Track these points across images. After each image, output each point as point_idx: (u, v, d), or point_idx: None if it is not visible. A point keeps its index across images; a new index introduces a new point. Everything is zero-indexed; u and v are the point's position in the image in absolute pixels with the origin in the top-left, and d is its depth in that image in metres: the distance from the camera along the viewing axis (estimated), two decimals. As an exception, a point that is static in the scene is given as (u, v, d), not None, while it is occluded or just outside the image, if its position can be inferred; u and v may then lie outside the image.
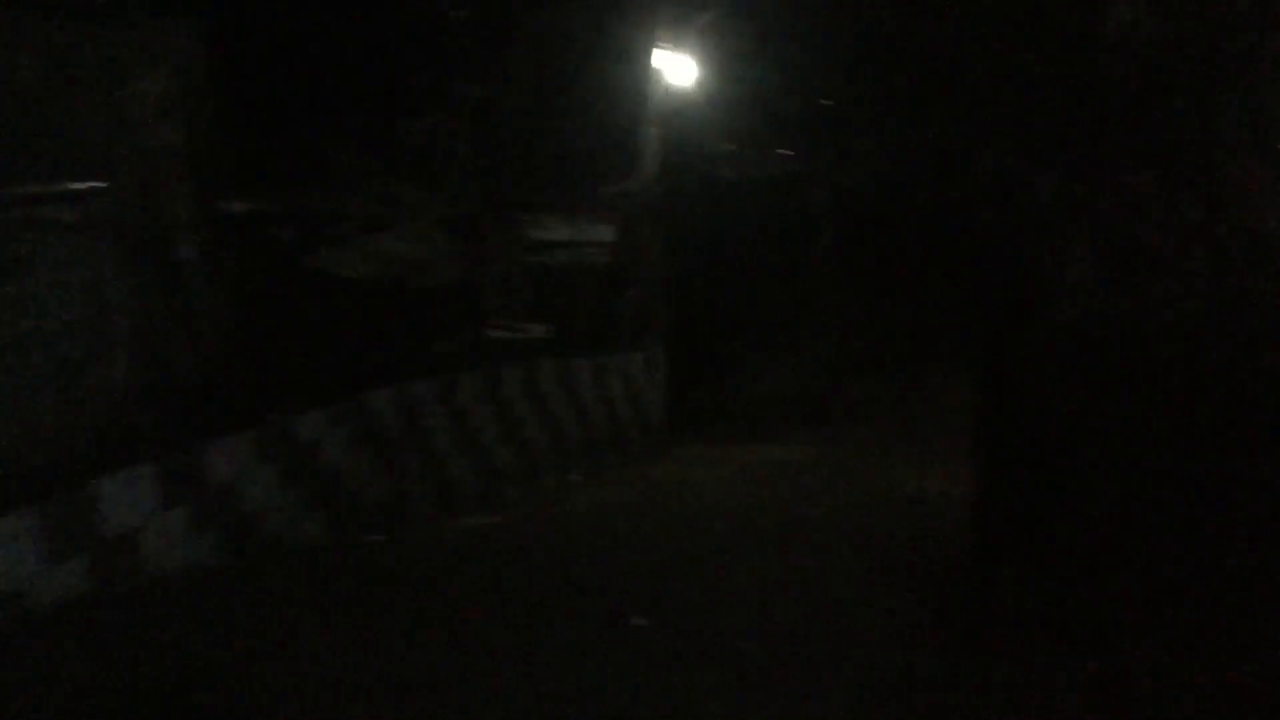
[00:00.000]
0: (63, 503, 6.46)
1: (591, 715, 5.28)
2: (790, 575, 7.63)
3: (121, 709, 5.40)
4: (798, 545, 8.69)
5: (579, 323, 13.62)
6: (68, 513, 6.48)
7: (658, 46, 13.02)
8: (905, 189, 24.37)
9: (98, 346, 9.55)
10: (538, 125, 12.83)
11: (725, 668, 5.77)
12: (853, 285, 22.08)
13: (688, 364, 15.52)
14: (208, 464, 7.46)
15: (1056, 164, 3.99)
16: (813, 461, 13.17)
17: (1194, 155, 3.52)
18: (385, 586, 7.62)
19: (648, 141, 13.38)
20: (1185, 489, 3.76)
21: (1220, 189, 3.43)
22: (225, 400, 10.79)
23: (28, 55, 9.24)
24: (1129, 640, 5.07)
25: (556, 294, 13.80)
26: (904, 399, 16.99)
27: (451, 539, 9.29)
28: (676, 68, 13.44)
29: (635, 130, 13.29)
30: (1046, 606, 5.48)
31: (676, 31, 13.14)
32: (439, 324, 12.17)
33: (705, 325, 17.22)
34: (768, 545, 8.74)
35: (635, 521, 9.89)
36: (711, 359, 17.13)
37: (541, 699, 5.42)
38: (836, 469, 12.64)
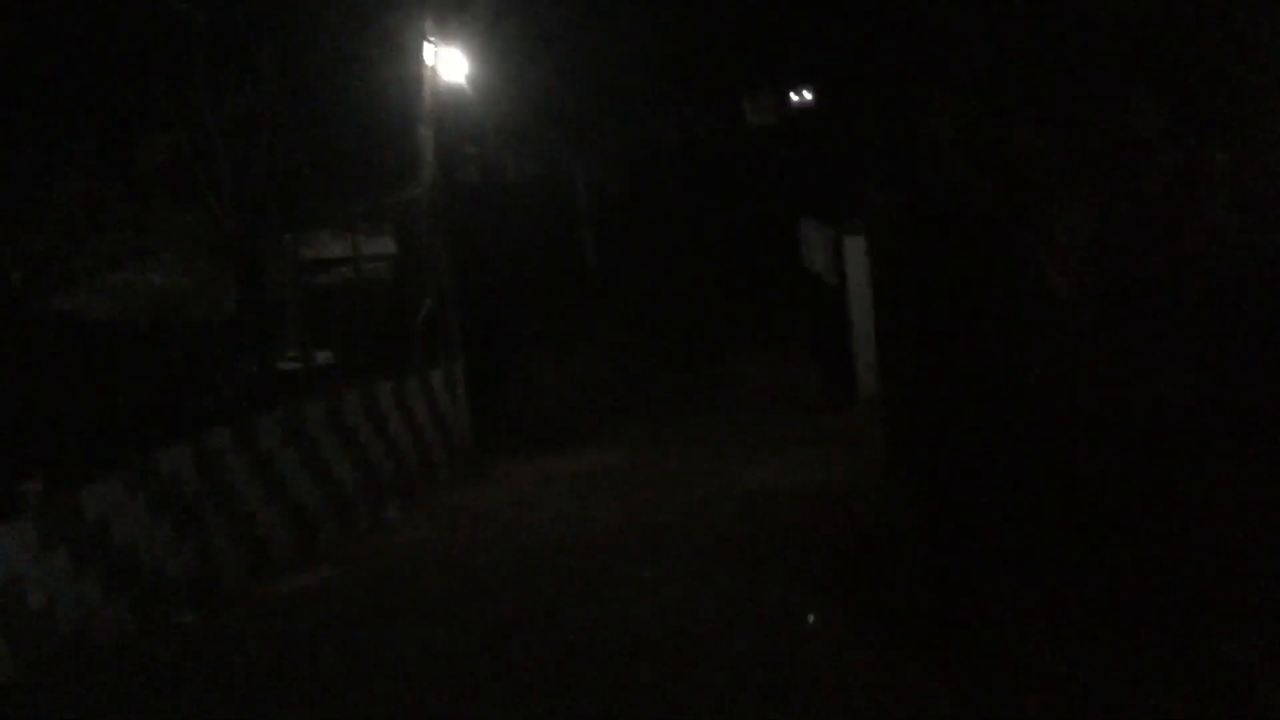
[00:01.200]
0: None
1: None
2: (705, 597, 6.98)
3: None
4: (670, 561, 8.10)
5: (369, 344, 12.54)
6: None
7: (428, 40, 12.07)
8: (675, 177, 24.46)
9: None
10: (303, 132, 11.61)
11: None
12: (629, 277, 21.86)
13: (483, 375, 14.70)
14: (-18, 564, 6.10)
15: (1034, 108, 3.51)
16: (634, 466, 12.66)
17: (1219, 84, 3.09)
18: (197, 685, 6.46)
19: (424, 143, 12.40)
20: (1218, 492, 3.36)
21: (1253, 125, 3.03)
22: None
23: None
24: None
25: (340, 315, 12.67)
26: (698, 390, 16.77)
27: (270, 610, 8.13)
28: (448, 63, 12.54)
29: (410, 132, 12.28)
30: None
31: (446, 24, 12.23)
32: (215, 362, 10.83)
33: (492, 332, 16.43)
34: (632, 566, 8.09)
35: (473, 560, 9.02)
36: (504, 367, 16.36)
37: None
38: (660, 471, 12.18)
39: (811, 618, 6.27)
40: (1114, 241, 3.51)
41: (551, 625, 6.63)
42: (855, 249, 13.43)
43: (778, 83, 30.56)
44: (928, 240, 4.44)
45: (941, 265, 4.36)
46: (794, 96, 31.28)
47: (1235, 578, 3.32)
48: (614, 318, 19.54)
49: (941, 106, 3.87)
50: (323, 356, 12.51)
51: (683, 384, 16.82)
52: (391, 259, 13.01)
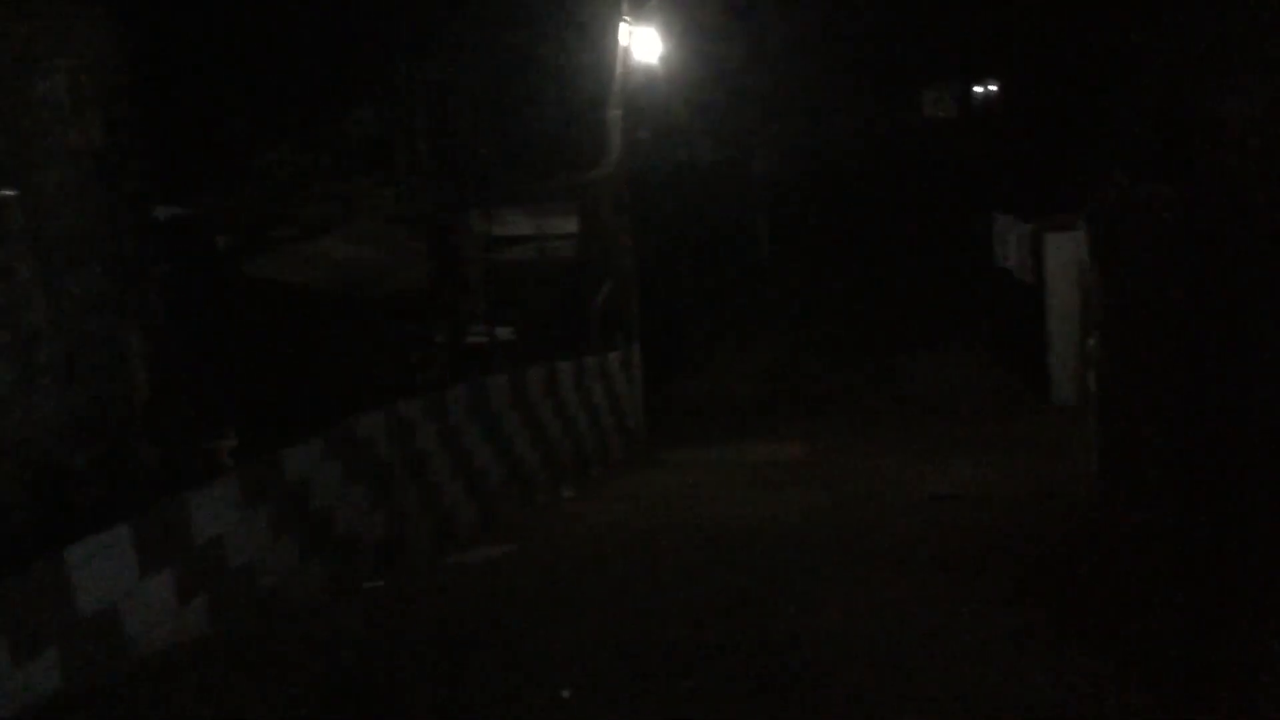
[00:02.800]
0: (30, 584, 5.21)
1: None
2: (882, 602, 6.65)
3: None
4: (856, 561, 7.78)
5: (549, 322, 12.55)
6: (33, 594, 5.23)
7: (623, 20, 11.97)
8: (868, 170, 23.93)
9: (21, 378, 8.22)
10: (498, 110, 11.67)
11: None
12: (804, 269, 21.46)
13: (657, 360, 14.59)
14: (192, 519, 6.24)
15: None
16: (809, 459, 12.34)
17: None
18: (385, 650, 6.46)
19: (613, 124, 12.32)
20: None
21: None
22: (166, 434, 9.50)
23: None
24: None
25: (523, 292, 12.71)
26: (877, 387, 16.29)
27: (455, 580, 8.16)
28: (641, 43, 12.41)
29: (600, 112, 12.21)
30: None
31: (643, 3, 12.10)
32: (406, 334, 11.00)
33: (667, 317, 16.31)
34: (821, 563, 7.80)
35: (652, 546, 8.85)
36: (677, 353, 16.22)
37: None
38: (839, 467, 11.81)
39: None
40: None
41: (747, 621, 6.39)
42: (1057, 247, 12.79)
43: (958, 75, 29.53)
44: (1203, 236, 4.02)
45: (1221, 264, 3.93)
46: (976, 89, 30.18)
47: None
48: (788, 309, 19.22)
49: (1243, 87, 3.45)
50: (504, 332, 12.59)
51: (860, 380, 16.38)
52: (574, 239, 12.99)
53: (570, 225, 13.01)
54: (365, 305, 11.54)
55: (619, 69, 12.28)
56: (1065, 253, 12.55)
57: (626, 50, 12.26)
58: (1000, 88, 28.06)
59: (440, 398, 9.04)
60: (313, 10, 10.88)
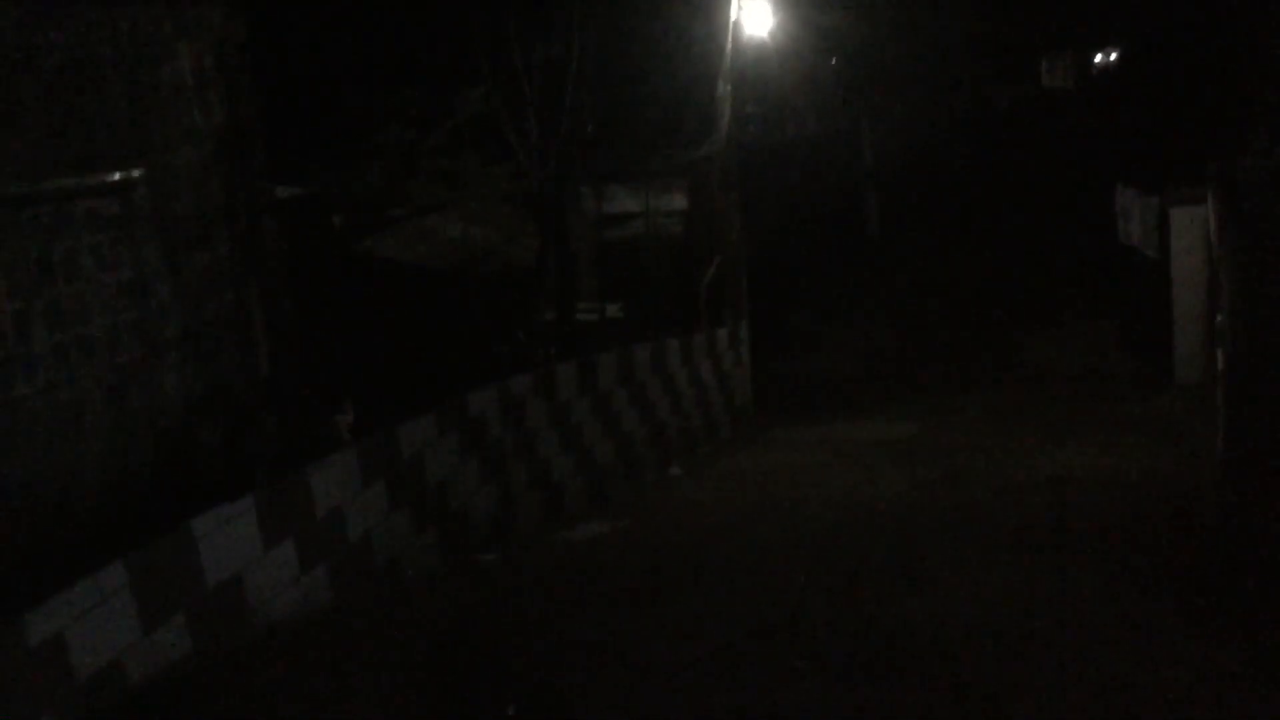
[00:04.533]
0: (159, 554, 5.39)
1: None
2: (1018, 587, 6.47)
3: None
4: (971, 542, 7.61)
5: (657, 298, 12.53)
6: (163, 563, 5.42)
7: (735, -8, 11.83)
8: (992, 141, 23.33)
9: (146, 353, 8.51)
10: (607, 87, 11.65)
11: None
12: (916, 245, 21.02)
13: (765, 337, 14.45)
14: (313, 491, 6.39)
15: None
16: (918, 440, 12.07)
17: None
18: (498, 623, 6.53)
19: (723, 100, 12.19)
20: None
21: None
22: (288, 409, 9.75)
23: (53, 35, 8.12)
24: None
25: (630, 269, 12.72)
26: (991, 366, 15.87)
27: (565, 556, 8.23)
28: (752, 16, 12.24)
29: (710, 87, 12.10)
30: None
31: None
32: (515, 310, 11.09)
33: (775, 294, 16.14)
34: (946, 547, 7.62)
35: (767, 525, 8.78)
36: (786, 330, 16.06)
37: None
38: (948, 448, 11.52)
39: None
40: None
41: (857, 608, 6.30)
42: (1183, 221, 12.26)
43: (1076, 44, 28.55)
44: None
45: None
46: (1095, 59, 29.15)
47: None
48: (900, 287, 18.84)
49: None
50: (612, 309, 12.61)
51: (974, 359, 15.99)
52: (682, 215, 12.93)
53: (679, 202, 12.95)
54: (477, 282, 11.67)
55: (729, 43, 12.14)
56: (1192, 227, 12.03)
57: (737, 24, 12.11)
58: (1120, 55, 27.04)
59: (549, 374, 9.10)
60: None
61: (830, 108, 19.53)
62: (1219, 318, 8.92)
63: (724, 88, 12.39)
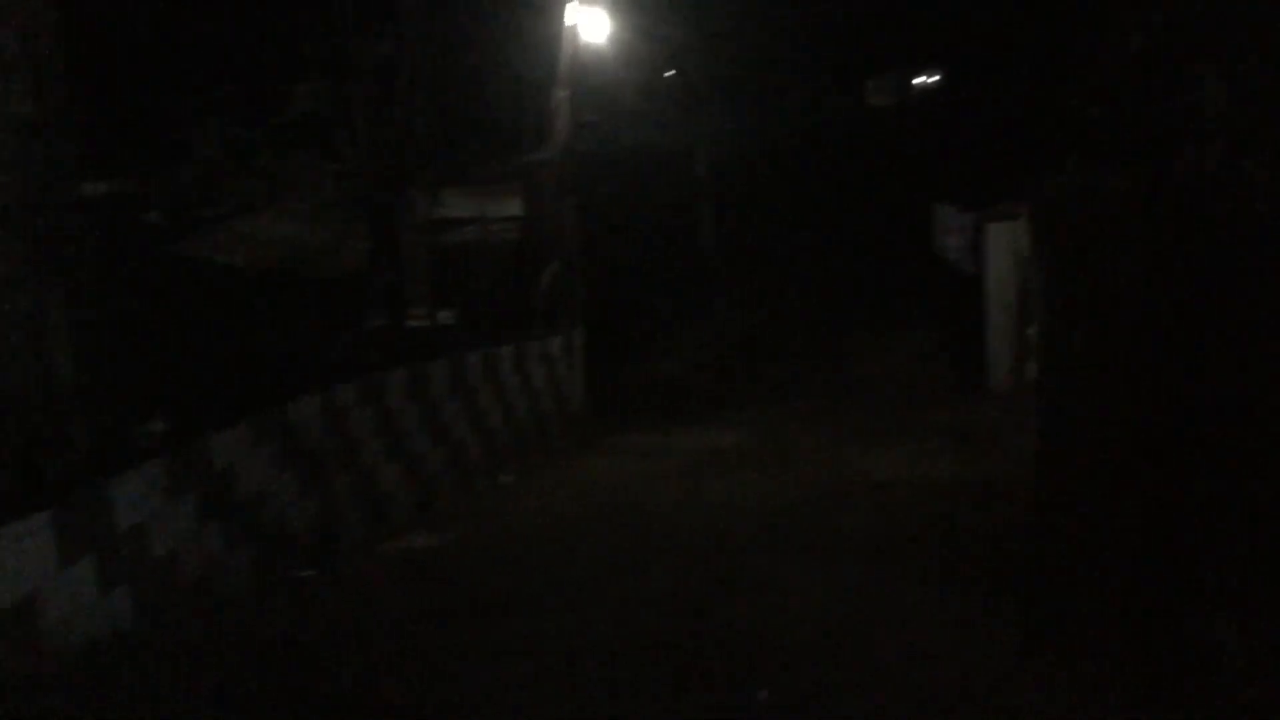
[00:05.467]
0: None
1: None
2: (849, 592, 6.58)
3: None
4: (807, 550, 7.72)
5: (491, 305, 12.36)
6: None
7: (571, -1, 11.78)
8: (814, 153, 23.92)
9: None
10: (442, 89, 11.42)
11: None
12: (746, 254, 21.41)
13: (599, 345, 14.45)
14: (116, 506, 6.00)
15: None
16: (749, 447, 12.25)
17: None
18: (313, 643, 6.28)
19: (559, 106, 12.13)
20: None
21: None
22: (93, 418, 9.19)
23: None
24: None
25: (464, 275, 12.51)
26: (819, 373, 16.28)
27: (389, 571, 7.99)
28: (589, 23, 12.22)
29: (547, 93, 12.01)
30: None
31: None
32: (343, 315, 10.75)
33: (609, 302, 16.16)
34: (778, 554, 7.72)
35: (600, 534, 8.73)
36: (620, 338, 16.09)
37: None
38: (779, 455, 11.73)
39: None
40: None
41: (689, 617, 6.30)
42: (998, 237, 12.85)
43: (899, 65, 29.69)
44: (1162, 228, 3.98)
45: (1178, 257, 3.89)
46: (917, 80, 30.35)
47: None
48: (733, 294, 19.15)
49: (1212, 77, 3.40)
50: (445, 315, 12.38)
51: (803, 366, 16.37)
52: (518, 222, 12.79)
53: (514, 208, 12.82)
54: (303, 286, 11.27)
55: (566, 49, 12.09)
56: (1005, 242, 12.62)
57: (574, 30, 12.07)
58: (941, 78, 28.23)
59: (377, 381, 8.84)
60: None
61: (667, 117, 19.72)
62: (1030, 329, 9.34)
63: (561, 94, 12.33)
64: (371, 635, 6.36)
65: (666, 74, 17.99)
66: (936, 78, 28.99)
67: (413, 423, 9.28)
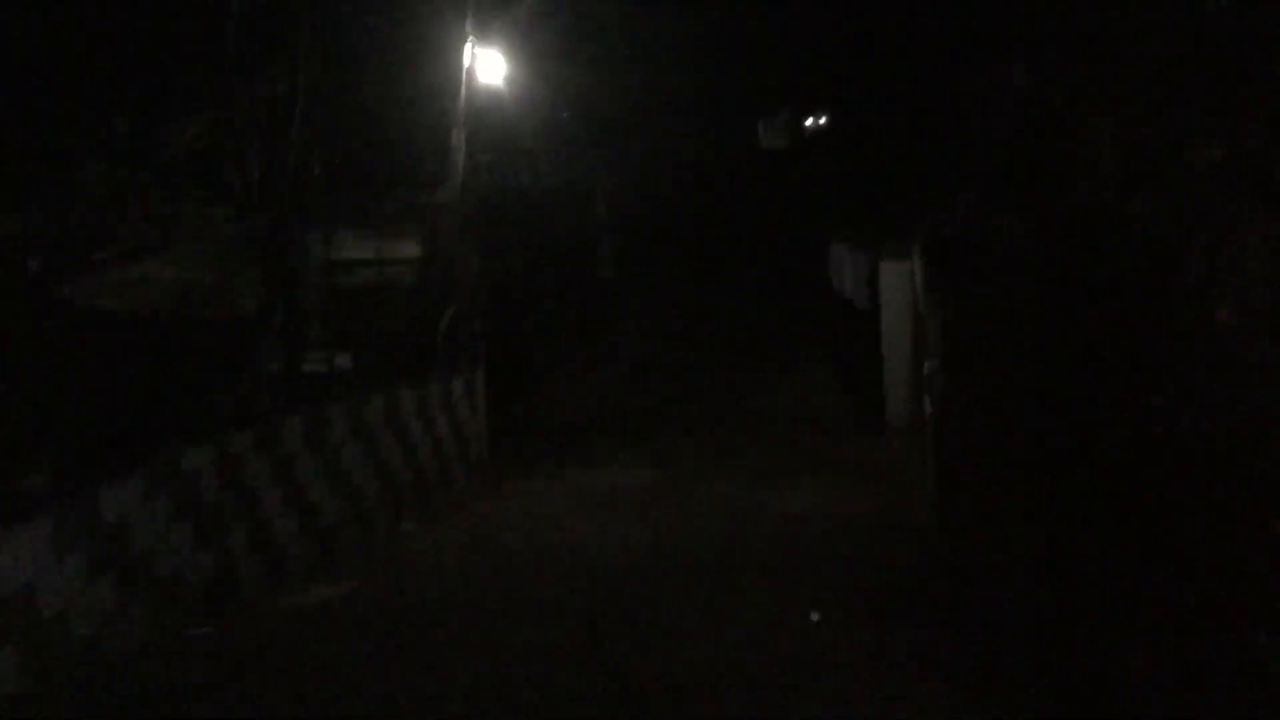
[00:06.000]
0: None
1: None
2: (759, 630, 6.59)
3: None
4: (711, 588, 7.73)
5: (391, 348, 12.17)
6: None
7: (467, 39, 11.74)
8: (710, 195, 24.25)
9: None
10: (337, 128, 11.27)
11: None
12: (646, 293, 21.54)
13: (502, 385, 14.33)
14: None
15: (1213, 118, 3.15)
16: (654, 486, 12.25)
17: None
18: (210, 703, 6.05)
19: (457, 146, 12.06)
20: None
21: None
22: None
23: None
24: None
25: (362, 318, 12.31)
26: (722, 411, 16.39)
27: (289, 624, 7.76)
28: (486, 65, 12.20)
29: (443, 132, 11.94)
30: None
31: (487, 24, 11.90)
32: (237, 361, 10.46)
33: (511, 342, 16.06)
34: (686, 592, 7.70)
35: (498, 580, 8.62)
36: (522, 378, 15.98)
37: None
38: (684, 492, 11.76)
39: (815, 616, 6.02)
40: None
41: (602, 658, 6.23)
42: (892, 275, 13.09)
43: (790, 106, 30.37)
44: (1054, 263, 4.09)
45: (1070, 291, 4.01)
46: (808, 121, 31.06)
47: None
48: (634, 334, 19.23)
49: (1101, 113, 3.52)
50: (342, 359, 12.15)
51: (705, 404, 16.46)
52: (416, 263, 12.65)
53: (412, 249, 12.67)
54: (194, 330, 10.95)
55: (463, 89, 12.04)
56: (900, 280, 12.85)
57: (470, 71, 12.04)
58: (830, 119, 28.94)
59: (273, 429, 8.61)
60: (136, 15, 10.28)
61: (566, 157, 19.80)
62: (926, 366, 9.53)
63: (459, 134, 12.27)
64: (266, 692, 6.16)
65: (564, 113, 18.08)
66: (824, 119, 29.71)
67: (311, 470, 9.05)
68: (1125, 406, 3.80)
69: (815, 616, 5.98)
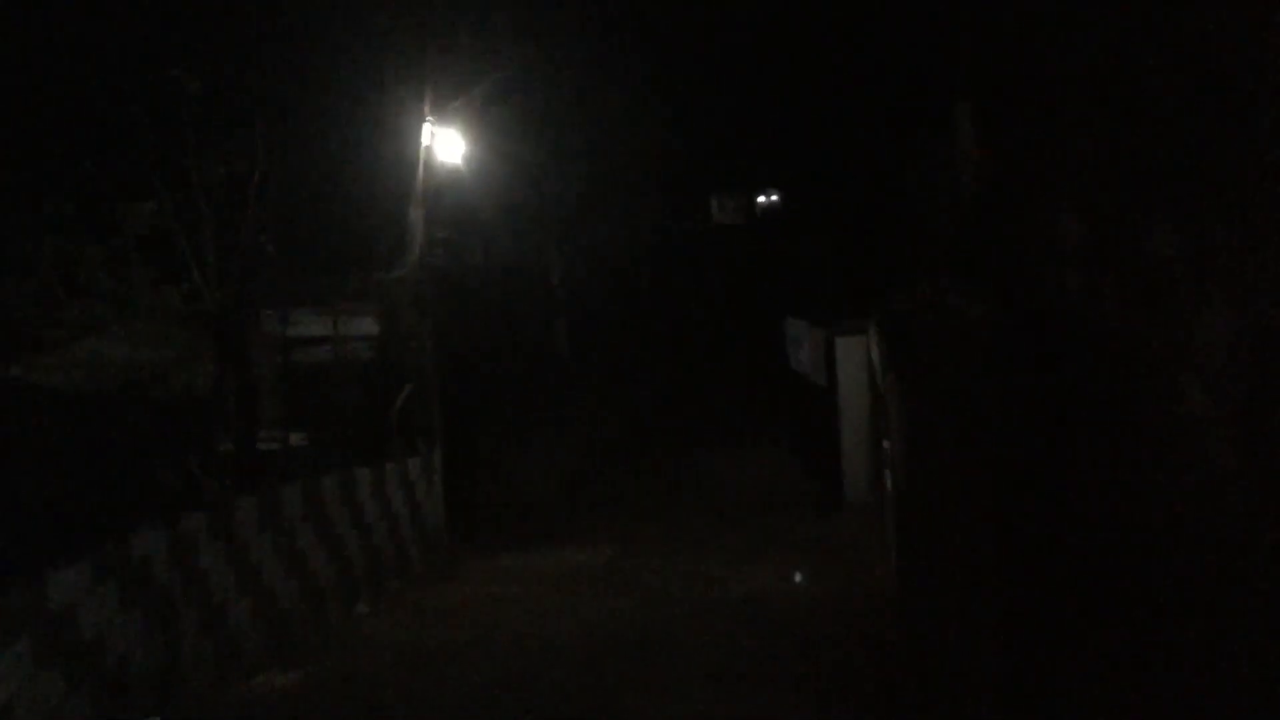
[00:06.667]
0: None
1: None
2: (721, 716, 6.47)
3: None
4: (674, 676, 7.60)
5: (346, 426, 12.02)
6: None
7: (426, 119, 11.82)
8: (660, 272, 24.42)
9: None
10: (294, 206, 11.24)
11: None
12: (603, 369, 21.51)
13: (458, 464, 14.18)
14: (-62, 658, 5.49)
15: (1173, 206, 3.21)
16: (611, 566, 12.14)
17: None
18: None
19: (415, 225, 12.07)
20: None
21: None
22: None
23: None
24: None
25: (318, 396, 12.16)
26: (678, 488, 16.32)
27: (242, 711, 7.53)
28: (444, 144, 12.27)
29: (401, 211, 11.95)
30: None
31: (445, 106, 12.00)
32: (190, 441, 10.26)
33: (468, 420, 15.94)
34: (644, 677, 7.57)
35: (460, 664, 8.44)
36: (479, 456, 15.84)
37: None
38: (642, 573, 11.63)
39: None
40: (1261, 355, 3.21)
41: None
42: (849, 351, 13.21)
43: (742, 185, 30.87)
44: (1016, 344, 4.14)
45: (1037, 374, 4.05)
46: (760, 199, 31.54)
47: None
48: (590, 410, 19.15)
49: (1070, 203, 3.59)
50: (297, 437, 11.98)
51: (662, 481, 16.40)
52: (373, 340, 12.56)
53: (369, 326, 12.59)
54: (147, 410, 10.76)
55: (420, 168, 12.09)
56: (857, 357, 12.96)
57: (429, 150, 12.10)
58: (782, 197, 29.41)
59: (226, 511, 8.43)
60: (87, 94, 10.24)
61: (524, 234, 19.90)
62: (885, 443, 9.57)
63: (416, 212, 12.29)
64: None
65: (522, 192, 18.19)
66: (775, 198, 30.18)
67: (265, 553, 8.86)
68: (1091, 489, 3.82)
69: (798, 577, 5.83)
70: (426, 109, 11.95)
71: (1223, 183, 3.13)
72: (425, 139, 12.13)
